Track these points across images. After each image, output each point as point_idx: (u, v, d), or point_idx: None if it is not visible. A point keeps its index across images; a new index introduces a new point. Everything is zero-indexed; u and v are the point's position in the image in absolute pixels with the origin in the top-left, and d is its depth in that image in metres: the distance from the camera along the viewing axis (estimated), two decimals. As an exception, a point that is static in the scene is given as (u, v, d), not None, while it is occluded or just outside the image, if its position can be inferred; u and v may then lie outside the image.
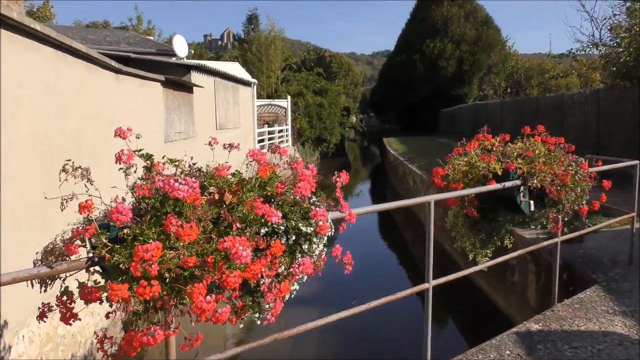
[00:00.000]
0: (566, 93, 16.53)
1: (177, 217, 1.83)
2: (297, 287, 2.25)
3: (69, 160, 1.90)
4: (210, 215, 1.87)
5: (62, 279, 1.90)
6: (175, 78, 9.86)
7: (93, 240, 1.79)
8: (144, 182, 1.92)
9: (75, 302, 1.83)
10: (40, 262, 1.82)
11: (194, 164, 2.22)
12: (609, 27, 12.21)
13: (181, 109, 10.55)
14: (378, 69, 59.14)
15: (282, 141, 24.59)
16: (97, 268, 1.86)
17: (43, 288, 1.89)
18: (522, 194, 3.67)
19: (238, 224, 1.84)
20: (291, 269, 2.05)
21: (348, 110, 46.53)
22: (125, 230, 1.79)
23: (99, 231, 1.74)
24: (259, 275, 1.85)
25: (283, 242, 2.08)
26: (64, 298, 1.82)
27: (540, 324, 3.76)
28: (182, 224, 1.68)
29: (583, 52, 13.35)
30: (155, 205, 1.86)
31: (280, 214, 1.96)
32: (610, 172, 4.90)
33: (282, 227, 2.09)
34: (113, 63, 6.35)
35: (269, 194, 2.18)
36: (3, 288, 2.31)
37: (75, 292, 1.80)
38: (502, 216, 4.03)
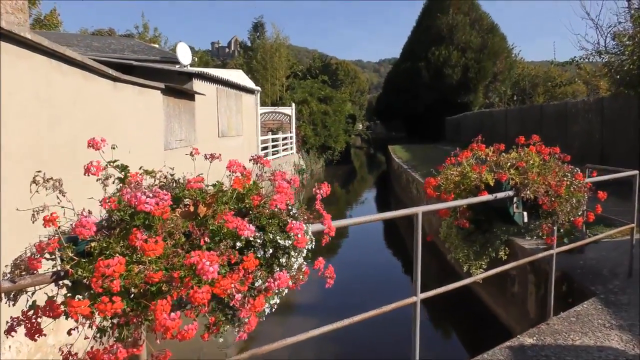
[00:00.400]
0: (570, 101, 16.42)
1: (147, 230, 1.80)
2: (278, 301, 2.20)
3: (40, 171, 1.86)
4: (182, 229, 1.83)
5: (29, 293, 1.85)
6: (176, 86, 9.86)
7: (60, 254, 1.76)
8: (114, 195, 1.88)
9: (41, 317, 1.78)
10: (6, 276, 1.78)
11: (172, 174, 2.18)
12: (612, 35, 12.11)
13: (182, 116, 10.55)
14: (384, 76, 59.16)
15: (287, 149, 24.56)
16: (67, 282, 1.82)
17: (11, 302, 1.85)
18: (515, 205, 3.60)
19: (206, 238, 1.79)
20: (266, 284, 1.99)
21: (354, 118, 46.51)
22: (92, 244, 1.75)
23: (65, 245, 1.70)
24: (230, 291, 1.80)
25: (259, 255, 2.04)
26: (30, 313, 1.78)
27: (535, 338, 3.68)
28: (147, 239, 1.64)
29: (587, 60, 13.25)
30: (125, 218, 1.82)
31: (253, 228, 1.91)
32: (611, 181, 4.82)
33: (259, 240, 2.05)
34: (110, 71, 6.34)
35: (247, 206, 2.14)
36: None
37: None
38: (496, 227, 3.96)
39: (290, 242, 2.08)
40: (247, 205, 2.14)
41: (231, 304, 1.85)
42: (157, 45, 24.80)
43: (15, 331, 1.88)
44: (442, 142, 33.54)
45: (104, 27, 38.68)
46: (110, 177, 2.08)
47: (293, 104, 27.13)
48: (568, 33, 15.10)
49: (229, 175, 2.20)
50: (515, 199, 3.57)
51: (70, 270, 1.65)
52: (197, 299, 1.69)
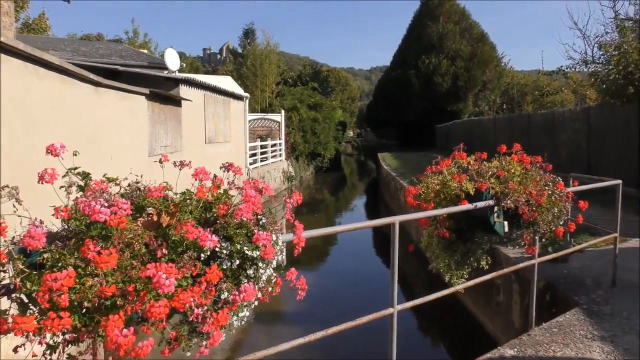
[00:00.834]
0: (557, 110, 16.51)
1: (104, 241, 1.72)
2: (247, 314, 2.13)
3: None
4: (142, 240, 1.75)
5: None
6: (161, 91, 9.77)
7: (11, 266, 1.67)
8: (70, 204, 1.80)
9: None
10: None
11: (137, 182, 2.11)
12: (599, 45, 12.19)
13: (168, 122, 10.45)
14: (375, 83, 59.38)
15: (276, 155, 24.48)
16: (22, 296, 1.73)
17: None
18: (496, 214, 3.55)
19: (164, 250, 1.72)
20: (231, 297, 1.92)
21: (344, 125, 46.54)
22: (45, 255, 1.67)
23: (15, 256, 1.62)
24: (190, 305, 1.73)
25: (225, 267, 1.97)
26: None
27: (515, 350, 3.62)
28: (99, 250, 1.56)
29: (574, 69, 13.33)
30: (80, 228, 1.74)
31: (216, 238, 1.83)
32: (596, 190, 4.80)
33: (225, 251, 1.98)
34: (92, 76, 6.24)
35: (214, 215, 2.07)
36: None
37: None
38: (478, 237, 3.91)
39: (258, 252, 2.01)
40: (215, 215, 2.07)
41: (190, 319, 1.77)
42: (145, 51, 24.67)
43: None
44: (432, 150, 33.61)
45: (93, 32, 38.44)
46: (74, 184, 2.01)
47: (282, 111, 27.07)
48: (556, 43, 15.22)
49: (198, 183, 2.13)
50: (496, 209, 3.52)
51: (18, 283, 1.57)
52: (154, 313, 1.61)
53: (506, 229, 3.60)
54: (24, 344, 1.57)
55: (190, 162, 2.28)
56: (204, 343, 1.90)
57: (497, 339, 6.68)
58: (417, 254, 6.45)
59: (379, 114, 46.87)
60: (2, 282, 1.67)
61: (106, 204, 1.68)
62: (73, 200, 1.79)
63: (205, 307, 1.86)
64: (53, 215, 1.71)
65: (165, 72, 14.07)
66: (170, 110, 10.70)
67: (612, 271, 5.00)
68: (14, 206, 1.79)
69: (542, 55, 42.86)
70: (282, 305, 8.87)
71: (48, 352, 1.60)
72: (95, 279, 1.62)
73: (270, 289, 2.19)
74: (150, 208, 1.98)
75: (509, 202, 3.43)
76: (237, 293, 1.93)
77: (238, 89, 19.25)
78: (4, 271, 1.69)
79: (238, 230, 2.03)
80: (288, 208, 2.24)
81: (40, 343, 1.58)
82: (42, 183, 1.78)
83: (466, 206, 3.32)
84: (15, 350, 1.68)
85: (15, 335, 1.48)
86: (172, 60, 15.09)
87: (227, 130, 16.00)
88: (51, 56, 5.02)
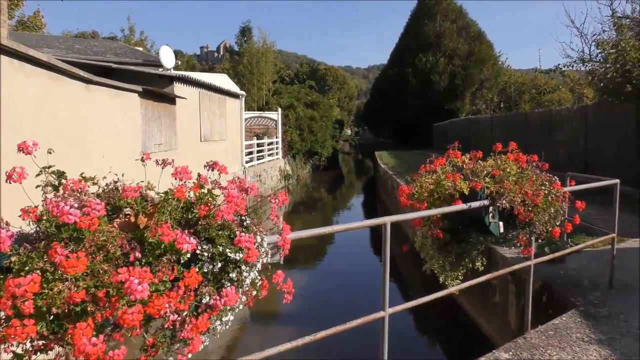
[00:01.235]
0: (555, 109, 16.44)
1: (76, 244, 1.63)
2: (231, 318, 2.04)
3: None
4: (115, 242, 1.66)
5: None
6: (154, 89, 9.66)
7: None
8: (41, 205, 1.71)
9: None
10: None
11: (116, 181, 2.01)
12: (595, 43, 12.13)
13: (162, 120, 10.34)
14: (373, 82, 59.34)
15: (272, 154, 24.38)
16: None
17: None
18: (491, 215, 3.47)
19: (137, 253, 1.62)
20: (211, 301, 1.83)
21: (341, 124, 46.44)
22: (13, 259, 1.58)
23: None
24: (166, 311, 1.64)
25: (206, 270, 1.88)
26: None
27: (510, 353, 3.54)
28: (68, 254, 1.47)
29: (571, 68, 13.26)
30: (51, 230, 1.65)
31: (194, 241, 1.75)
32: (594, 190, 4.72)
33: (207, 254, 1.89)
34: (82, 73, 6.13)
35: (196, 216, 1.98)
36: None
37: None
38: (473, 237, 3.83)
39: (240, 255, 1.92)
40: (196, 216, 1.98)
41: (165, 326, 1.68)
42: (141, 49, 24.51)
43: None
44: (429, 148, 33.54)
45: (88, 29, 38.25)
46: (50, 184, 1.92)
47: (279, 109, 26.97)
48: (554, 41, 15.14)
49: (179, 183, 2.04)
50: (491, 209, 3.44)
51: (-19, 288, 1.47)
52: (126, 320, 1.53)
53: (501, 230, 3.52)
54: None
55: (173, 160, 2.18)
56: (184, 350, 1.81)
57: (492, 339, 6.61)
58: (414, 253, 6.38)
59: (376, 113, 46.77)
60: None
61: (76, 205, 1.58)
62: (42, 201, 1.70)
63: (185, 313, 1.78)
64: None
65: (161, 69, 13.96)
66: (165, 108, 10.59)
67: (610, 272, 4.93)
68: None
69: (539, 54, 42.82)
70: (278, 305, 8.80)
71: (14, 360, 1.51)
72: (66, 283, 1.53)
73: (255, 292, 2.11)
74: (128, 209, 1.89)
75: (504, 202, 3.35)
76: (217, 298, 1.84)
77: (234, 87, 19.13)
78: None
79: (220, 232, 1.95)
80: (273, 209, 2.15)
81: (5, 352, 1.49)
82: (10, 182, 1.69)
83: (460, 206, 3.24)
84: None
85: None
86: (167, 58, 14.96)
87: (222, 128, 15.89)
88: (38, 52, 4.91)
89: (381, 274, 2.78)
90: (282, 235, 2.13)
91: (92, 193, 1.90)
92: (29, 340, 1.52)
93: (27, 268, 1.53)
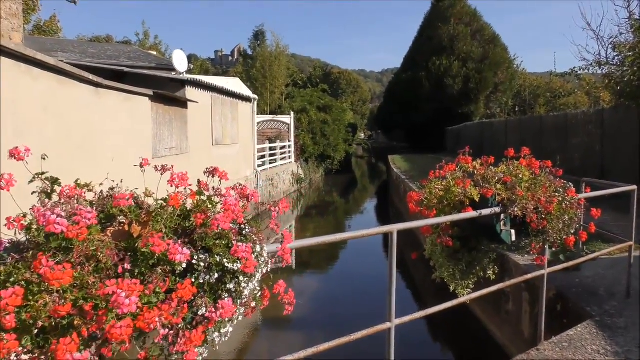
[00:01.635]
0: (570, 112, 16.19)
1: (65, 254, 1.57)
2: (231, 329, 1.97)
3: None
4: (104, 253, 1.60)
5: None
6: (165, 92, 9.66)
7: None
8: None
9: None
10: None
11: (112, 188, 1.95)
12: (613, 46, 11.90)
13: (173, 124, 10.34)
14: (387, 85, 59.21)
15: (285, 157, 24.36)
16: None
17: None
18: (502, 222, 3.36)
19: (127, 265, 1.56)
20: (207, 314, 1.76)
21: (354, 127, 46.34)
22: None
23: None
24: (157, 325, 1.57)
25: (202, 280, 1.81)
26: None
27: (523, 366, 3.43)
28: (53, 265, 1.41)
29: (587, 71, 13.03)
30: (39, 240, 1.59)
31: (187, 252, 1.68)
32: (609, 196, 4.59)
33: (203, 264, 1.82)
34: (91, 77, 6.13)
35: (193, 225, 1.91)
36: None
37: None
38: (484, 245, 3.72)
39: (238, 265, 1.85)
40: (193, 224, 1.91)
41: (155, 341, 1.61)
42: (155, 53, 24.68)
43: None
44: (443, 152, 33.31)
45: (103, 34, 38.62)
46: (45, 190, 1.86)
47: (292, 113, 26.95)
48: (569, 44, 14.91)
49: (175, 190, 1.98)
50: (502, 216, 3.33)
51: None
52: (114, 335, 1.46)
53: (513, 238, 3.41)
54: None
55: (173, 166, 2.12)
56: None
57: (506, 348, 6.47)
58: (426, 259, 6.29)
59: (389, 116, 46.61)
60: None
61: (63, 214, 1.52)
62: (30, 209, 1.64)
63: (179, 326, 1.71)
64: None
65: (173, 73, 14.01)
66: (176, 112, 10.59)
67: (627, 281, 4.78)
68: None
69: (554, 57, 42.39)
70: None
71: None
72: (54, 295, 1.47)
73: (254, 304, 2.04)
74: (122, 217, 1.83)
75: (516, 209, 3.24)
76: (213, 310, 1.77)
77: (246, 91, 19.15)
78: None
79: (218, 241, 1.88)
80: (273, 217, 2.07)
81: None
82: (-2, 189, 1.64)
83: (470, 214, 3.14)
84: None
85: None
86: (180, 62, 15.02)
87: (234, 132, 15.89)
88: (45, 56, 4.91)
89: (387, 284, 2.69)
90: (282, 245, 2.05)
91: (86, 201, 1.85)
92: (14, 355, 1.46)
93: (12, 279, 1.47)
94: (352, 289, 10.36)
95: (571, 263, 4.35)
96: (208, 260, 1.83)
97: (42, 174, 1.88)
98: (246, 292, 1.94)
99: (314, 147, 29.82)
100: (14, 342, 1.34)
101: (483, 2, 45.09)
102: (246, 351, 7.30)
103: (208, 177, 2.17)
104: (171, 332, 1.66)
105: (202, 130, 12.94)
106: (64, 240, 1.57)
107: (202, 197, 2.03)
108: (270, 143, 22.73)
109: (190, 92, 11.95)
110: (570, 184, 3.63)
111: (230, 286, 1.88)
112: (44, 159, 1.98)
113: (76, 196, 1.85)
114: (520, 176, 3.50)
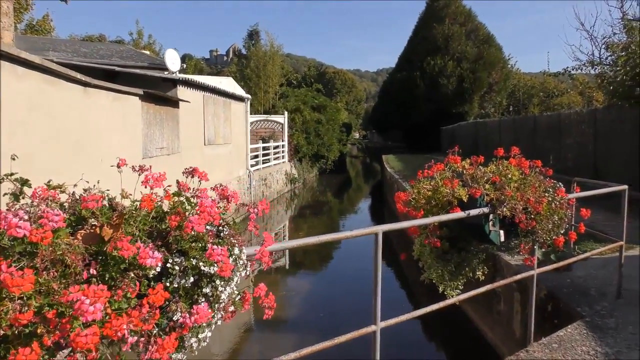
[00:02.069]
0: (563, 112, 16.20)
1: (29, 259, 1.51)
2: (209, 334, 1.91)
3: None
4: (69, 257, 1.54)
5: None
6: (155, 92, 9.58)
7: None
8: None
9: None
10: None
11: (86, 189, 1.89)
12: (605, 46, 11.91)
13: (164, 123, 10.26)
14: (381, 85, 59.21)
15: (278, 157, 24.28)
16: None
17: None
18: (491, 223, 3.31)
19: (93, 270, 1.50)
20: (180, 319, 1.70)
21: (348, 127, 46.28)
22: (-39, 274, 1.46)
23: None
24: (125, 332, 1.51)
25: (177, 285, 1.75)
26: None
27: (512, 368, 3.38)
28: (13, 272, 1.35)
29: (580, 71, 13.05)
30: (4, 243, 1.53)
31: (159, 255, 1.62)
32: (602, 195, 4.55)
33: (178, 267, 1.77)
34: (79, 76, 6.04)
35: (168, 227, 1.85)
36: None
37: None
38: (473, 246, 3.68)
39: (215, 268, 1.80)
40: (168, 227, 1.85)
41: (123, 349, 1.55)
42: (148, 52, 24.54)
43: None
44: (437, 152, 33.31)
45: (97, 33, 38.42)
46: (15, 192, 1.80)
47: (286, 112, 26.88)
48: (563, 44, 14.92)
49: (150, 192, 1.92)
50: (491, 217, 3.29)
51: None
52: (79, 343, 1.40)
53: (502, 239, 3.37)
54: None
55: (150, 166, 2.06)
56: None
57: (497, 349, 6.44)
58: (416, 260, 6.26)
59: (384, 116, 46.61)
60: None
61: (26, 217, 1.46)
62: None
63: (152, 332, 1.65)
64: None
65: (166, 73, 13.92)
66: (167, 112, 10.51)
67: (618, 281, 4.74)
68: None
69: (547, 57, 42.48)
70: (284, 311, 8.72)
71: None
72: (17, 302, 1.41)
73: (232, 308, 1.98)
74: (93, 220, 1.77)
75: (504, 209, 3.19)
76: (187, 315, 1.71)
77: (239, 90, 19.07)
78: None
79: (193, 244, 1.82)
80: (252, 218, 2.02)
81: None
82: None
83: (458, 214, 3.09)
84: None
85: None
86: (173, 61, 14.95)
87: (227, 131, 15.81)
88: (31, 55, 4.83)
89: (372, 287, 2.64)
90: (260, 247, 1.99)
91: (56, 203, 1.79)
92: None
93: (-29, 286, 1.41)
94: (345, 289, 10.31)
95: (561, 263, 4.31)
96: (183, 263, 1.78)
97: (11, 174, 1.83)
98: (224, 296, 1.89)
99: (308, 147, 29.76)
100: (-31, 352, 1.28)
101: (477, 3, 45.09)
102: (239, 352, 7.25)
103: (187, 177, 2.11)
104: (142, 339, 1.61)
105: (194, 130, 12.86)
106: (29, 244, 1.51)
107: (181, 199, 1.98)
108: (263, 143, 22.66)
109: (182, 92, 11.87)
110: (560, 183, 3.59)
111: (207, 290, 1.83)
112: (14, 159, 1.92)
113: (50, 198, 1.80)
114: (510, 176, 3.46)
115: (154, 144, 9.54)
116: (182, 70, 16.48)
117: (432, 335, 7.93)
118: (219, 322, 1.95)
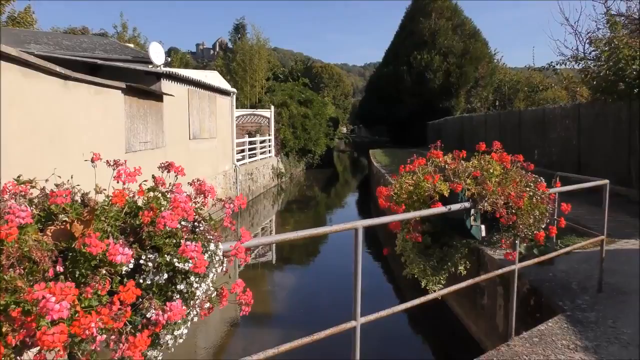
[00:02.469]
0: (548, 107, 16.31)
1: (-6, 256, 1.47)
2: (185, 331, 1.88)
3: None
4: (35, 254, 1.50)
5: None
6: (138, 85, 9.46)
7: None
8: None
9: None
10: None
11: (58, 184, 1.84)
12: (589, 41, 12.00)
13: (148, 118, 10.15)
14: (368, 79, 59.16)
15: (265, 152, 24.20)
16: None
17: None
18: (472, 218, 3.31)
19: (59, 267, 1.46)
20: (152, 317, 1.67)
21: (336, 122, 46.23)
22: None
23: None
24: (93, 331, 1.47)
25: (150, 281, 1.72)
26: None
27: (493, 362, 3.39)
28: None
29: (564, 65, 13.13)
30: (-33, 240, 1.48)
31: (129, 252, 1.58)
32: (585, 190, 4.58)
33: (151, 264, 1.73)
34: (58, 69, 5.94)
35: (141, 223, 1.82)
36: None
37: None
38: (455, 241, 3.67)
39: (189, 265, 1.77)
40: (141, 223, 1.81)
41: (92, 347, 1.52)
42: (132, 45, 24.27)
43: None
44: (424, 146, 33.41)
45: (79, 26, 37.86)
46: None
47: (272, 107, 26.77)
48: (548, 39, 15.04)
49: (123, 186, 1.88)
50: (472, 211, 3.29)
51: None
52: (45, 342, 1.36)
53: (483, 233, 3.36)
54: None
55: (125, 161, 2.01)
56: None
57: (481, 343, 6.48)
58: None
59: (371, 111, 46.59)
60: None
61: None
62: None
63: (124, 330, 1.62)
64: None
65: (150, 66, 13.76)
66: (151, 106, 10.40)
67: (599, 275, 4.79)
68: None
69: (533, 52, 42.70)
70: (270, 307, 8.73)
71: None
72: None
73: (207, 304, 1.95)
74: (63, 215, 1.72)
75: (485, 204, 3.19)
76: (160, 313, 1.68)
77: (225, 84, 18.94)
78: None
79: (167, 240, 1.79)
80: (227, 213, 1.99)
81: None
82: None
83: (439, 209, 3.08)
84: None
85: None
86: (157, 55, 14.76)
87: (212, 126, 15.70)
88: (8, 47, 4.72)
89: (352, 282, 2.62)
90: (236, 243, 1.96)
91: (25, 198, 1.75)
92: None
93: None
94: (331, 283, 10.33)
95: (542, 258, 4.33)
96: (157, 260, 1.74)
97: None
98: (199, 292, 1.86)
99: (295, 141, 29.69)
100: None
101: (464, -3, 45.23)
102: (223, 347, 7.22)
103: (162, 172, 2.07)
104: (112, 337, 1.57)
105: (179, 124, 12.74)
106: (-5, 240, 1.47)
107: (156, 194, 1.94)
108: (250, 137, 22.55)
109: (166, 85, 11.75)
110: (541, 178, 3.59)
111: (181, 287, 1.80)
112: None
113: (21, 193, 1.76)
114: (491, 170, 3.46)
115: (137, 138, 9.43)
116: (167, 64, 16.32)
117: (417, 329, 7.96)
118: (195, 319, 1.92)
